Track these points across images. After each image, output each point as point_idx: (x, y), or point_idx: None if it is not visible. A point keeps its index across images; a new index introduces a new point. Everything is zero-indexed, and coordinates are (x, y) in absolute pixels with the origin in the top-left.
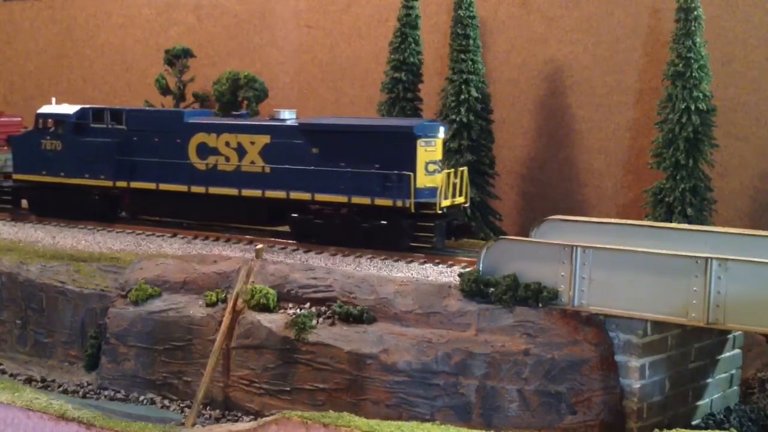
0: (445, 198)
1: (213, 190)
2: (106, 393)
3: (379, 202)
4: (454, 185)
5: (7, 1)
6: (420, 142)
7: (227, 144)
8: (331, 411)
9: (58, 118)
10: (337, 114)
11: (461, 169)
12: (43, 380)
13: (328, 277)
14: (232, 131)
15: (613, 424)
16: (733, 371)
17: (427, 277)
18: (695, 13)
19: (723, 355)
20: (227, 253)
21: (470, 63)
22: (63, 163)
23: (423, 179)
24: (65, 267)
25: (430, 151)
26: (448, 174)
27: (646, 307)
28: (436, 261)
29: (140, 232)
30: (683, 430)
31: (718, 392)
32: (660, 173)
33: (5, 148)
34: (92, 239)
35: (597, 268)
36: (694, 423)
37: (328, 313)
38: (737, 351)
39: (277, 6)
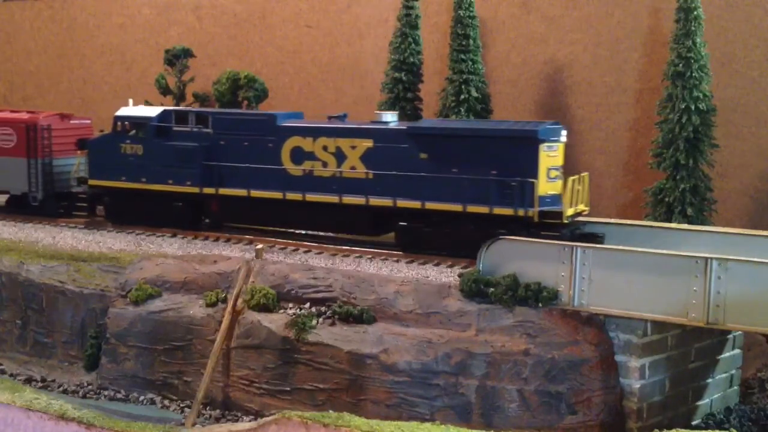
0: (570, 206)
1: (310, 197)
2: (106, 393)
3: (499, 211)
4: (577, 192)
5: (7, 1)
6: (543, 147)
7: (325, 148)
8: (331, 411)
9: (138, 121)
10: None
11: (583, 174)
12: (43, 380)
13: (328, 277)
14: (330, 135)
15: (613, 424)
16: (733, 371)
17: (427, 277)
18: (695, 13)
19: (723, 355)
20: (227, 253)
21: (470, 63)
22: (144, 169)
23: (545, 186)
24: (65, 267)
25: (552, 156)
26: (573, 180)
27: (646, 307)
28: (436, 261)
29: (140, 232)
30: (683, 430)
31: (718, 392)
32: (660, 173)
33: (77, 151)
34: (92, 239)
35: (597, 268)
36: (694, 423)
37: (328, 313)
38: (737, 351)
39: (277, 6)
